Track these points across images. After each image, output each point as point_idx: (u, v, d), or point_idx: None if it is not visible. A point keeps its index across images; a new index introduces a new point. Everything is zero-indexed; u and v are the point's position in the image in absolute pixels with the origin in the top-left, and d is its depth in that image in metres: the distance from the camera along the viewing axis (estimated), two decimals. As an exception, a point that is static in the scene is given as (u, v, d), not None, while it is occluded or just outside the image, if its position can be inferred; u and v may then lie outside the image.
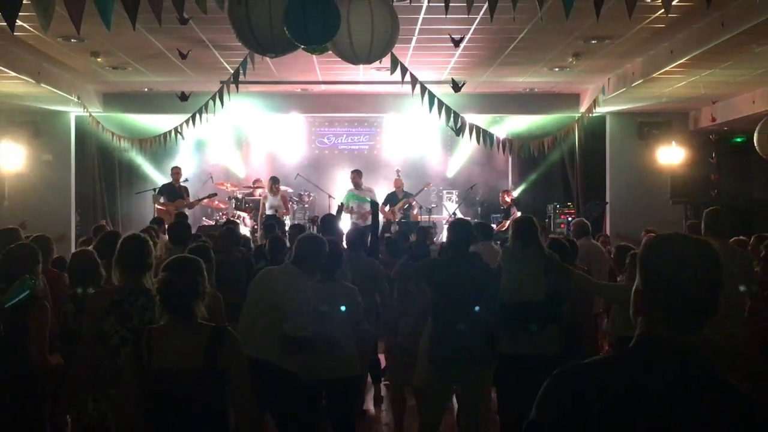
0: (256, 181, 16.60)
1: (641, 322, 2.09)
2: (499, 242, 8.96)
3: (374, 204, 10.87)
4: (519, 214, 15.40)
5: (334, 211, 12.12)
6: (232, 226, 9.91)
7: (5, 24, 5.61)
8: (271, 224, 11.56)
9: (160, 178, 16.50)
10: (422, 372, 6.20)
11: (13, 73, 10.84)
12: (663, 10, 6.23)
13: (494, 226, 13.48)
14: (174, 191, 14.97)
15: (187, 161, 16.83)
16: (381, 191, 15.95)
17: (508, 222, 15.01)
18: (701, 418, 1.91)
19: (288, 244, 8.35)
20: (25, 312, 4.92)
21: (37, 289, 5.23)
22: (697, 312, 2.04)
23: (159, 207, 14.51)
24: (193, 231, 10.28)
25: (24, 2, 5.48)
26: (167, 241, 8.78)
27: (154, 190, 15.37)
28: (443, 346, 5.76)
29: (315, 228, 13.85)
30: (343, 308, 5.69)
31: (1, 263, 5.21)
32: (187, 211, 13.96)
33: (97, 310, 4.71)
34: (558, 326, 6.06)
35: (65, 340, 5.37)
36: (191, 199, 15.19)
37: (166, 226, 10.44)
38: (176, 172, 15.26)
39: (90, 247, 7.66)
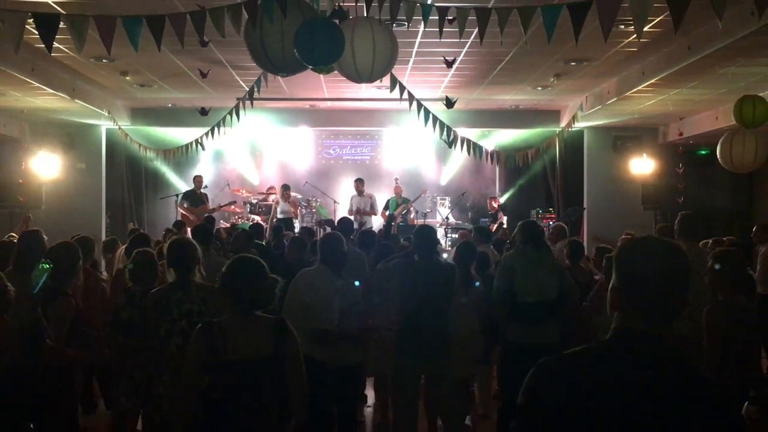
0: (270, 188, 16.62)
1: (617, 316, 2.08)
2: (492, 245, 8.89)
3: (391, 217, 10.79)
4: (505, 218, 15.47)
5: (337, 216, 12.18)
6: (251, 231, 9.88)
7: (43, 46, 5.62)
8: (278, 227, 11.55)
9: (182, 185, 16.51)
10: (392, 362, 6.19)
11: (51, 90, 10.84)
12: (635, 36, 6.25)
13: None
14: (196, 197, 14.99)
15: (206, 170, 16.81)
16: (381, 197, 15.97)
17: (495, 225, 15.02)
18: (673, 403, 1.91)
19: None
20: (49, 304, 4.92)
21: (69, 283, 5.22)
22: (668, 307, 2.04)
23: (182, 212, 14.51)
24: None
25: (60, 26, 5.50)
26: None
27: (177, 196, 15.39)
28: (407, 340, 5.72)
29: (322, 231, 13.86)
30: (357, 283, 5.69)
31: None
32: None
33: (149, 309, 4.91)
34: (560, 319, 6.08)
35: (116, 329, 5.39)
36: (210, 204, 15.21)
37: (189, 228, 10.43)
38: (198, 180, 15.28)
39: (124, 247, 7.69)
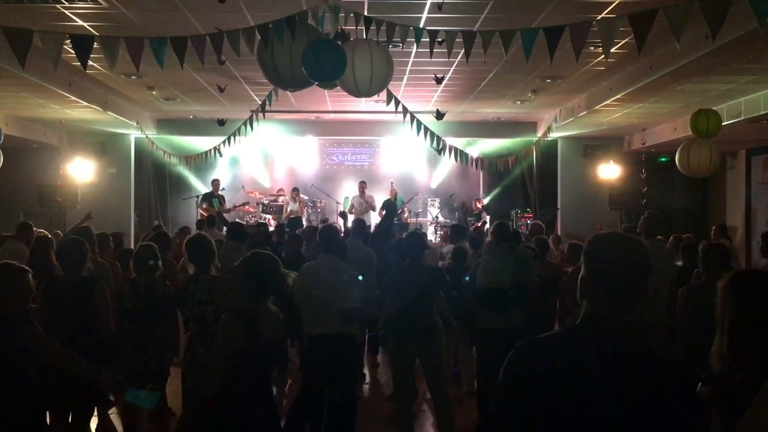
0: (280, 190, 16.63)
1: (586, 303, 2.07)
2: (468, 242, 8.84)
3: (392, 206, 10.47)
4: (488, 217, 15.46)
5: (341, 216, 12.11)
6: (263, 228, 9.87)
7: (79, 64, 5.62)
8: (281, 225, 11.55)
9: (202, 187, 16.46)
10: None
11: (85, 103, 10.83)
12: (603, 56, 6.25)
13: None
14: (214, 198, 14.98)
15: (223, 174, 16.79)
16: (379, 198, 15.97)
17: (479, 223, 15.03)
18: (634, 381, 1.92)
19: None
20: (91, 292, 4.91)
21: (81, 269, 5.15)
22: (629, 295, 2.03)
23: (202, 211, 14.49)
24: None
25: (94, 47, 5.49)
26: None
27: (197, 197, 15.37)
28: (401, 329, 5.85)
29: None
30: (360, 277, 5.74)
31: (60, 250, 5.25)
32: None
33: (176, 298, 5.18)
34: (523, 306, 6.07)
35: (121, 315, 5.37)
36: (227, 205, 15.19)
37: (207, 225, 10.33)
38: (215, 183, 15.23)
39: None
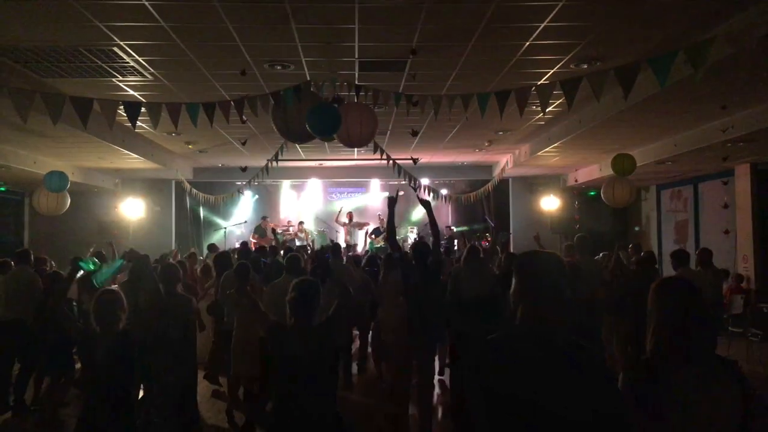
0: (289, 222, 16.56)
1: (520, 309, 2.03)
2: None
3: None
4: (456, 240, 15.45)
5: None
6: (295, 252, 9.55)
7: (130, 124, 5.62)
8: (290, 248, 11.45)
9: (228, 220, 16.37)
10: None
11: (135, 155, 10.80)
12: (542, 113, 6.33)
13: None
14: (261, 230, 15.08)
15: (247, 210, 16.74)
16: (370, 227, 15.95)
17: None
18: (560, 366, 1.90)
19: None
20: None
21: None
22: (553, 300, 1.99)
23: (255, 241, 14.49)
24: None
25: (142, 111, 5.51)
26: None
27: (225, 228, 15.32)
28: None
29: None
30: None
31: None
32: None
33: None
34: (497, 311, 5.75)
35: None
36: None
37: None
38: (264, 218, 15.44)
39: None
